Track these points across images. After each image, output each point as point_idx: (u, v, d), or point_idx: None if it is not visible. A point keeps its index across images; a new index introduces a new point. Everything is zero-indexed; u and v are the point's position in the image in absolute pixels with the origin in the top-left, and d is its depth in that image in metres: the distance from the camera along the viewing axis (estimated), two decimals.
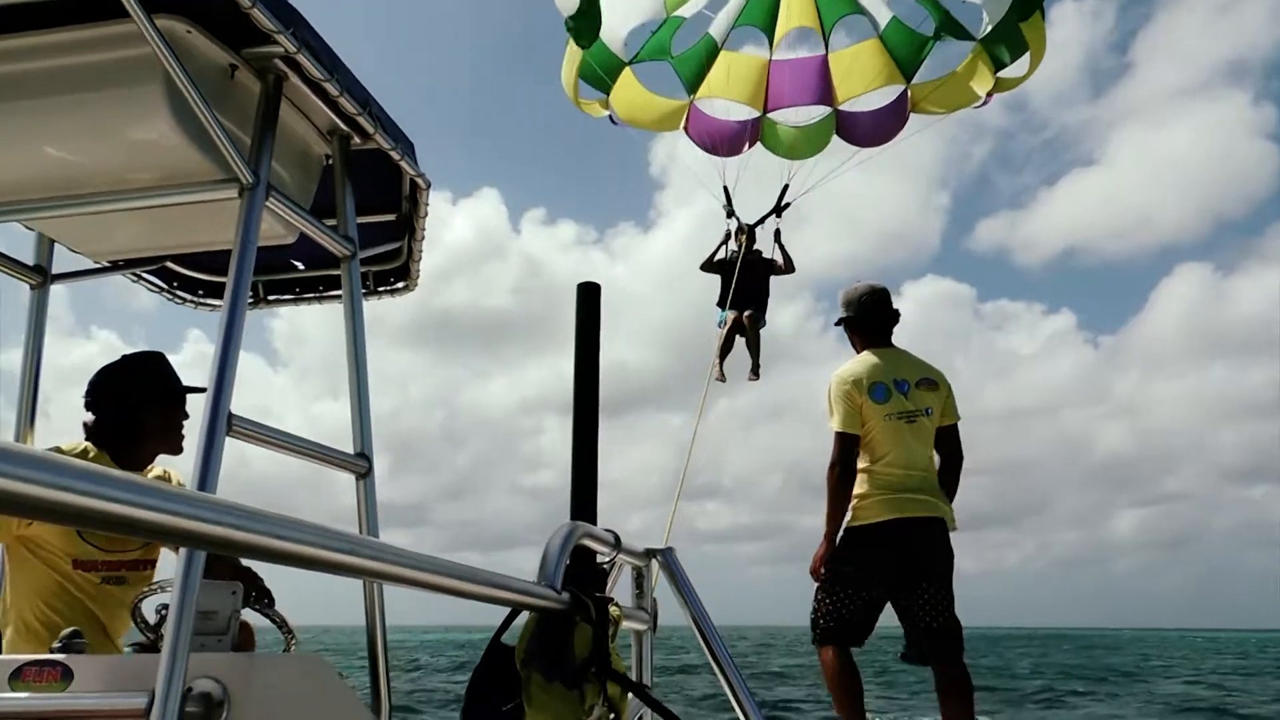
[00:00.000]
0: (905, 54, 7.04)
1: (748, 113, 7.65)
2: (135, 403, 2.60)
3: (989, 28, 6.56)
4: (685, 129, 7.76)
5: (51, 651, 1.79)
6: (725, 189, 8.24)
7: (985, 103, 7.04)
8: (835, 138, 7.54)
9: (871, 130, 7.42)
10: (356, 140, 2.46)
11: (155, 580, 2.52)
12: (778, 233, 8.28)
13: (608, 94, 7.62)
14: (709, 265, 8.48)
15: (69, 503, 0.63)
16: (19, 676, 1.68)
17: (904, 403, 4.16)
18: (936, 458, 4.28)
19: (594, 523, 2.19)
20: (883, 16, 7.15)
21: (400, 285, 3.11)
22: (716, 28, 7.61)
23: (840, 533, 4.17)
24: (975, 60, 6.80)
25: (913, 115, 7.26)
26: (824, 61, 7.45)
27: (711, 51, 7.58)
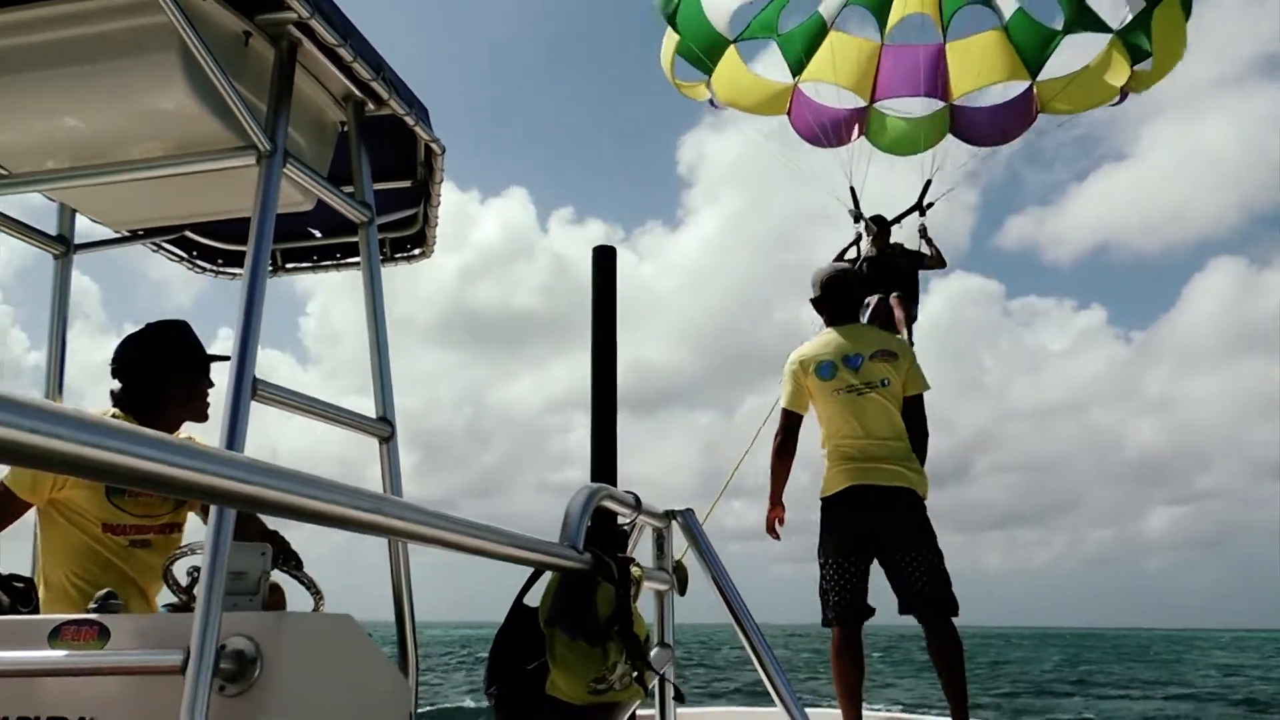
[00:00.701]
0: (1031, 48, 6.57)
1: (854, 100, 7.19)
2: (159, 370, 2.63)
3: (1128, 18, 6.12)
4: (788, 114, 7.28)
5: (87, 612, 1.84)
6: (851, 189, 7.54)
7: (1121, 100, 6.54)
8: (949, 135, 7.08)
9: (991, 128, 6.99)
10: (371, 106, 2.46)
11: (184, 543, 2.57)
12: (923, 229, 7.54)
13: (709, 75, 7.23)
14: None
15: (103, 459, 0.65)
16: (58, 635, 1.73)
17: (851, 376, 4.26)
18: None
19: (614, 485, 2.21)
20: (1008, 7, 6.70)
21: (417, 252, 3.12)
22: (826, 6, 7.17)
23: (821, 510, 4.30)
24: (1110, 53, 6.32)
25: (1041, 115, 6.78)
26: (940, 51, 6.94)
27: (819, 31, 7.13)
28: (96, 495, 2.49)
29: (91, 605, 1.84)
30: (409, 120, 2.50)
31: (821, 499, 4.30)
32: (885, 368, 4.27)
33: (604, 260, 2.44)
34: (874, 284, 7.25)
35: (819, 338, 4.47)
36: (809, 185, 7.68)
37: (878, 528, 4.14)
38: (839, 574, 4.19)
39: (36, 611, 2.22)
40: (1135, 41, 6.17)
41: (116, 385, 2.64)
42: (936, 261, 7.53)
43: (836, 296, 4.51)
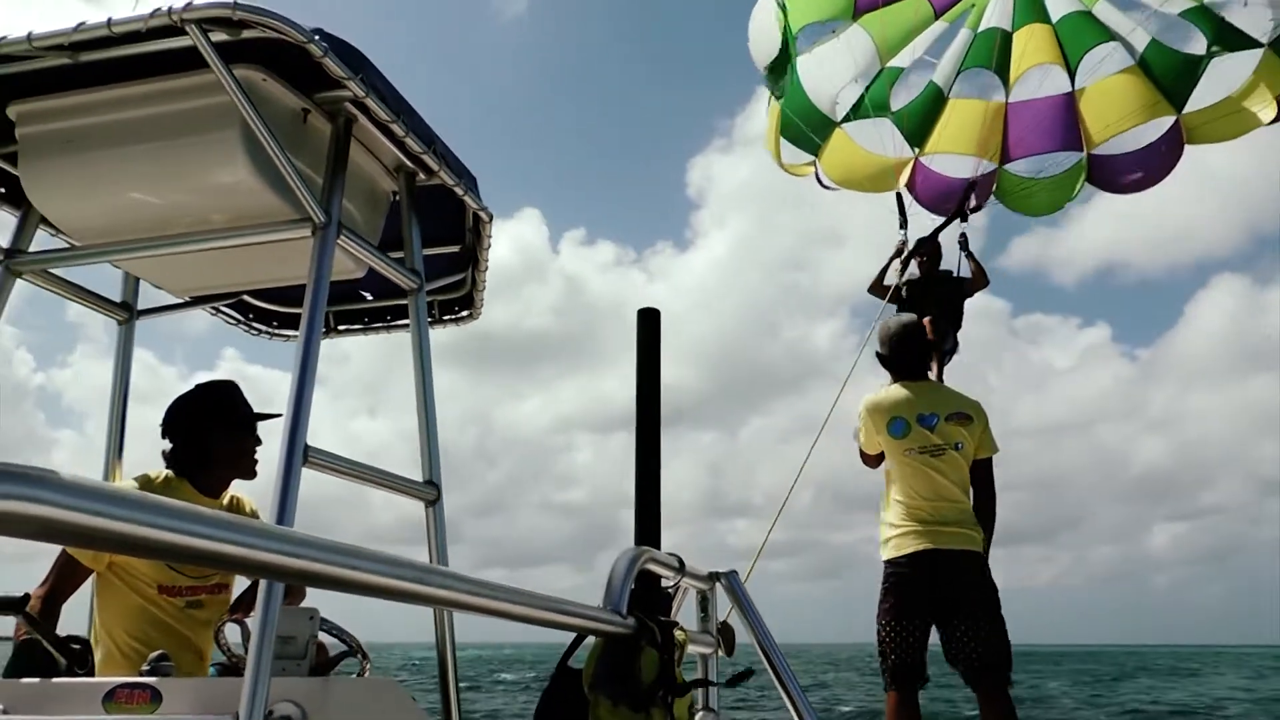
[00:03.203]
0: (1172, 78, 5.95)
1: (983, 166, 6.70)
2: (206, 430, 2.70)
3: (1275, 25, 5.44)
4: (911, 189, 6.88)
5: (141, 674, 1.87)
6: (898, 195, 6.98)
7: (1277, 119, 5.76)
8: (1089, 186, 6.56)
9: (1134, 172, 6.39)
10: (422, 177, 2.54)
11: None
12: (964, 240, 6.84)
13: (816, 154, 6.93)
14: (878, 289, 6.87)
15: (157, 539, 0.69)
16: (112, 698, 1.76)
17: (928, 437, 4.24)
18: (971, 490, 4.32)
19: (658, 547, 2.20)
20: (1139, 40, 6.09)
21: (465, 314, 3.18)
22: (941, 74, 6.75)
23: (885, 569, 4.25)
24: (1263, 69, 5.62)
25: (1188, 147, 6.16)
26: (1070, 99, 6.38)
27: (937, 100, 6.73)
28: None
29: (145, 667, 1.88)
30: (458, 190, 2.58)
31: (888, 559, 4.24)
32: (960, 431, 4.25)
33: (648, 322, 2.46)
34: (914, 309, 6.54)
35: (891, 391, 4.41)
36: (817, 207, 7.38)
37: (943, 593, 4.09)
38: (898, 635, 4.14)
39: (92, 673, 2.26)
40: None
41: (166, 446, 2.71)
42: (978, 281, 6.84)
43: (906, 355, 4.49)
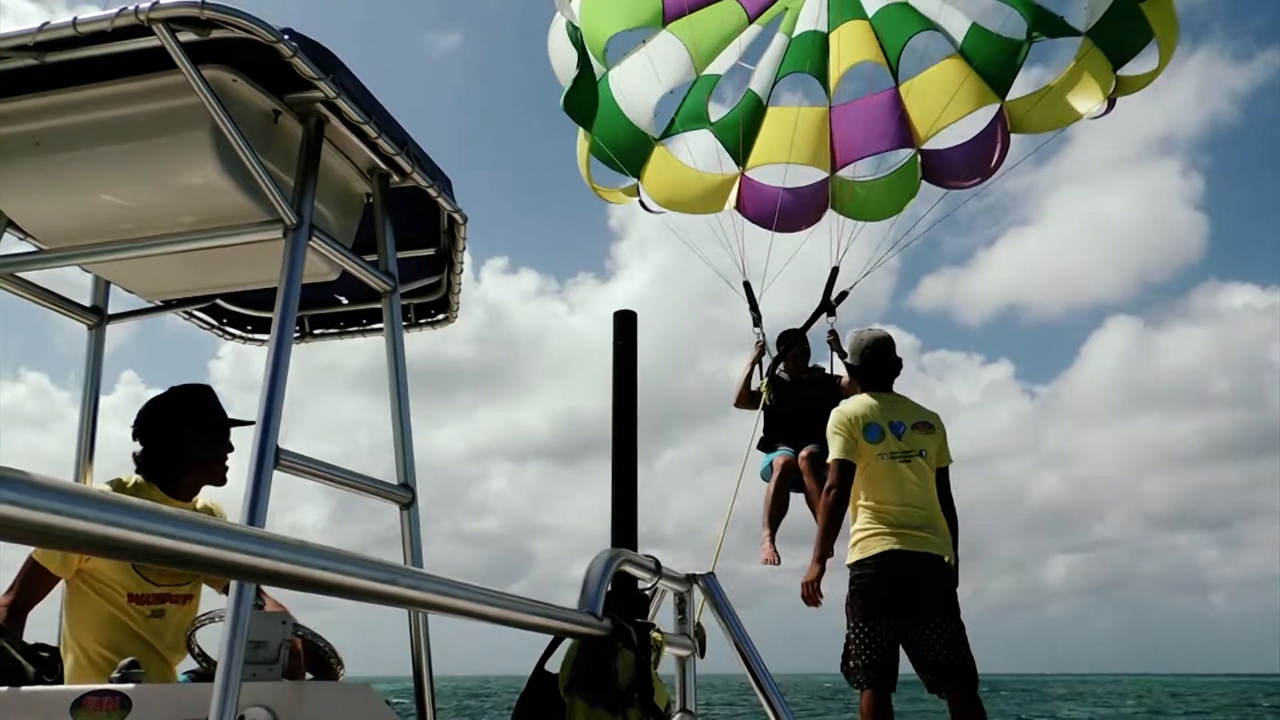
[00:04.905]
0: (994, 66, 5.68)
1: (813, 175, 6.28)
2: (179, 434, 2.67)
3: (1098, 15, 5.24)
4: (739, 207, 6.31)
5: (110, 681, 1.85)
6: (746, 284, 6.13)
7: (1107, 110, 5.63)
8: (924, 184, 6.13)
9: (966, 165, 6.00)
10: (395, 178, 2.53)
11: (207, 611, 2.59)
12: (834, 336, 6.02)
13: (637, 176, 6.31)
14: (745, 400, 6.11)
15: (124, 538, 0.68)
16: (81, 706, 1.74)
17: (897, 443, 4.40)
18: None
19: (634, 549, 2.20)
20: (959, 27, 5.78)
21: (440, 317, 3.17)
22: (759, 82, 6.33)
23: (852, 572, 4.36)
24: (1086, 59, 5.43)
25: (1015, 137, 5.86)
26: (895, 96, 6.05)
27: (757, 110, 6.30)
28: (123, 566, 2.51)
29: (114, 675, 1.85)
30: (432, 192, 2.57)
31: (855, 561, 4.34)
32: (924, 439, 4.44)
33: (625, 324, 2.45)
34: (789, 426, 5.81)
35: (860, 400, 4.57)
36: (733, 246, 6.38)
37: (909, 593, 4.20)
38: (870, 637, 4.22)
39: (61, 681, 2.23)
40: (1112, 46, 5.34)
41: (138, 447, 2.68)
42: (855, 383, 5.66)
43: (878, 366, 4.64)
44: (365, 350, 3.31)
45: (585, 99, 5.70)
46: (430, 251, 2.94)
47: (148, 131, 2.14)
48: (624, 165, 6.25)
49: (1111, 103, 5.58)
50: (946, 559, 4.29)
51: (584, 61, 5.49)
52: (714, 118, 6.36)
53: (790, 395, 5.96)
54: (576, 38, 5.50)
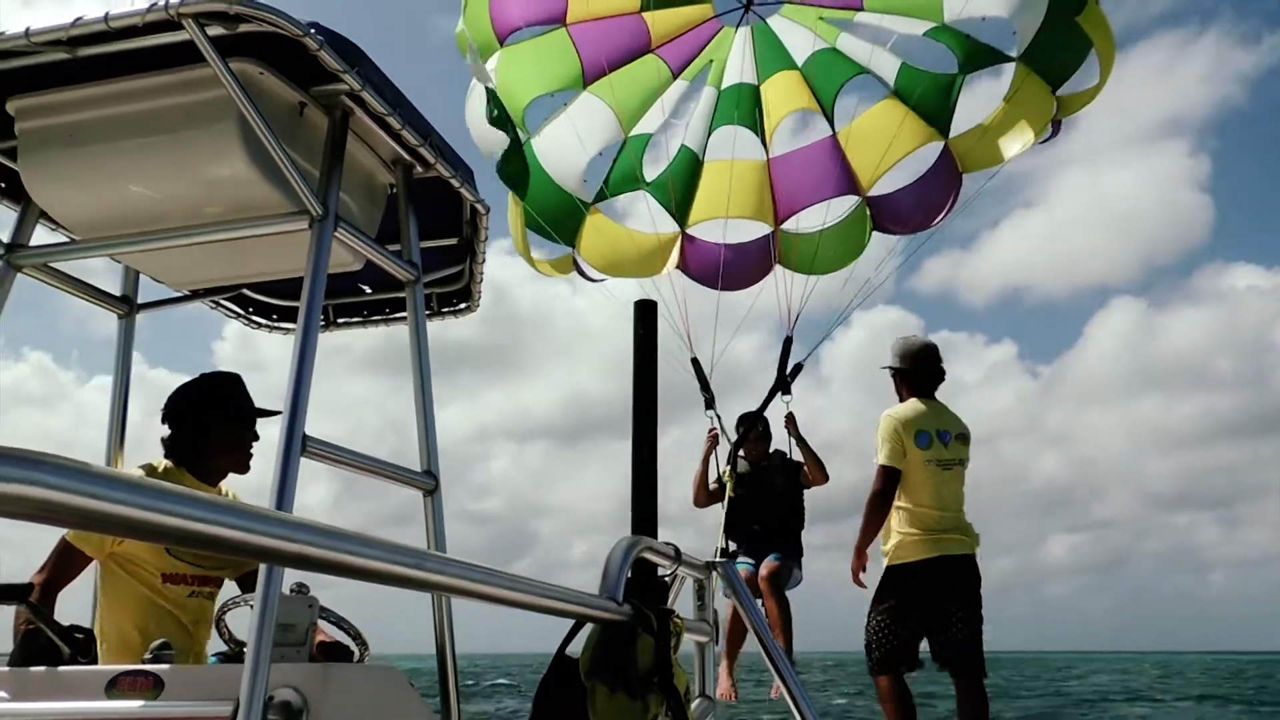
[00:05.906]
0: (930, 103, 5.40)
1: (758, 230, 5.96)
2: (206, 420, 2.72)
3: (1029, 37, 5.01)
4: (681, 266, 5.98)
5: (143, 662, 1.89)
6: (694, 361, 5.54)
7: (1054, 135, 5.39)
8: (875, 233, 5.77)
9: (916, 209, 5.68)
10: (419, 169, 2.55)
11: (237, 594, 2.64)
12: (791, 420, 5.56)
13: (572, 245, 5.99)
14: (704, 499, 5.72)
15: (156, 522, 0.70)
16: (114, 686, 1.79)
17: (944, 451, 4.62)
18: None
19: (654, 536, 2.23)
20: (890, 68, 5.53)
21: (463, 306, 3.20)
22: (692, 137, 6.01)
23: (884, 570, 4.63)
24: (1023, 88, 5.15)
25: (966, 176, 5.49)
26: (834, 142, 5.74)
27: (693, 165, 5.96)
28: (156, 548, 2.57)
29: (146, 655, 1.90)
30: (454, 182, 2.59)
31: (893, 566, 4.55)
32: (963, 448, 4.70)
33: (646, 314, 2.48)
34: (749, 523, 5.46)
35: (911, 405, 4.71)
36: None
37: (940, 593, 4.45)
38: (893, 630, 4.44)
39: (95, 662, 2.29)
40: (1049, 68, 5.08)
41: (165, 433, 2.73)
42: (815, 476, 5.61)
43: (928, 372, 4.80)
44: (374, 333, 3.35)
45: (517, 165, 5.45)
46: (452, 241, 2.97)
47: (177, 124, 2.18)
48: (558, 234, 5.94)
49: (1056, 125, 5.33)
50: (975, 554, 4.56)
51: (510, 129, 5.26)
52: (649, 177, 6.00)
53: (752, 483, 5.60)
54: (496, 109, 5.20)
